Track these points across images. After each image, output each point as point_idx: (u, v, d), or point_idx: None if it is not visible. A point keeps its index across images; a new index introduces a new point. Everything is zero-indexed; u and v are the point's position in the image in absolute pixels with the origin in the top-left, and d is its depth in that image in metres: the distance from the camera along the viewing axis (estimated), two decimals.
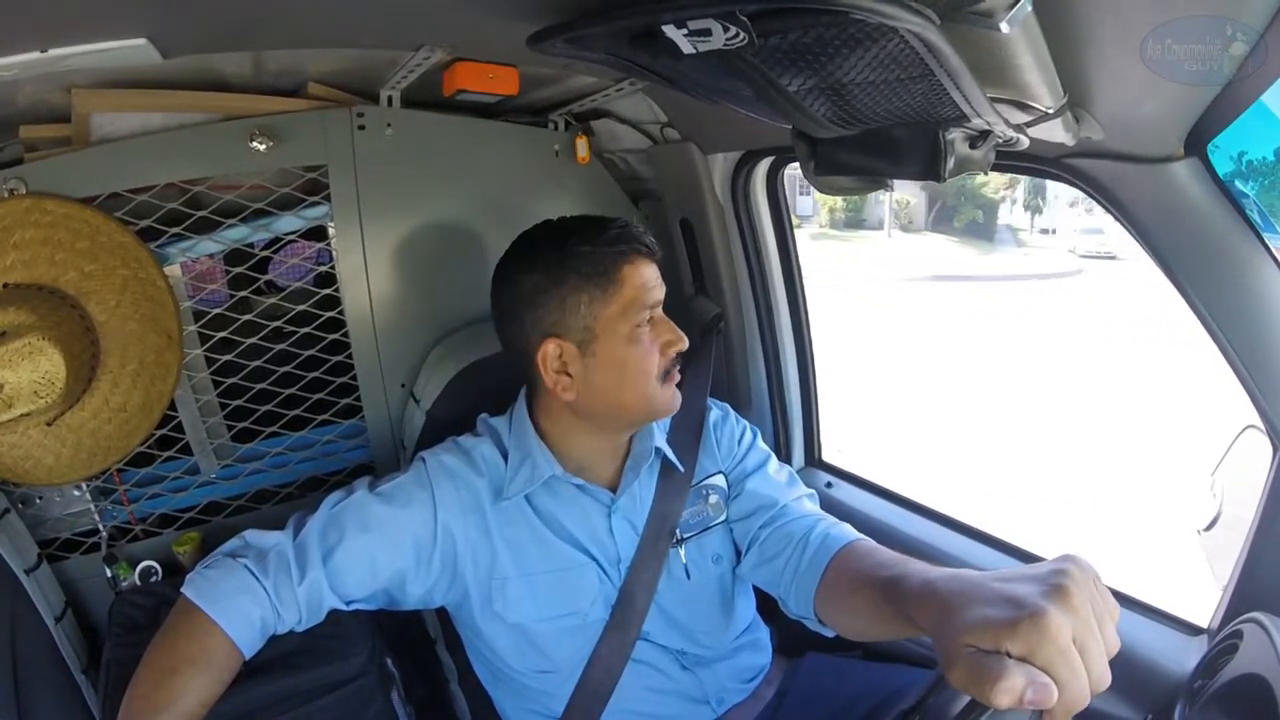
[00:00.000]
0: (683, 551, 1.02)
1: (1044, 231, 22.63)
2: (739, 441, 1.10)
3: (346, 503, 0.94)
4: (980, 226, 21.11)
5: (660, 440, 1.03)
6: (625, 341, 0.92)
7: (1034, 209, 23.01)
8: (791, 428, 1.46)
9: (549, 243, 0.94)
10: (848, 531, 0.94)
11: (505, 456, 1.00)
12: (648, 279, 0.94)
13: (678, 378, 0.97)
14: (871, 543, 0.90)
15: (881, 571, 0.77)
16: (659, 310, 0.96)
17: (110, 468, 1.09)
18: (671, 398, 0.97)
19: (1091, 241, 18.79)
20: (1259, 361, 0.84)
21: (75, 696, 1.04)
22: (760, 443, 1.12)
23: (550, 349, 0.92)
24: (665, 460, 1.04)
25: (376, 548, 0.92)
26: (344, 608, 0.93)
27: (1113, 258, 17.71)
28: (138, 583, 1.15)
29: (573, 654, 0.97)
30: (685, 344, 0.96)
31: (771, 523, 1.00)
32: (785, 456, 1.47)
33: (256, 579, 0.87)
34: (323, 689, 0.93)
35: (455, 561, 0.96)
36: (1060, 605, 0.50)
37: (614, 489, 1.01)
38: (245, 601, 0.85)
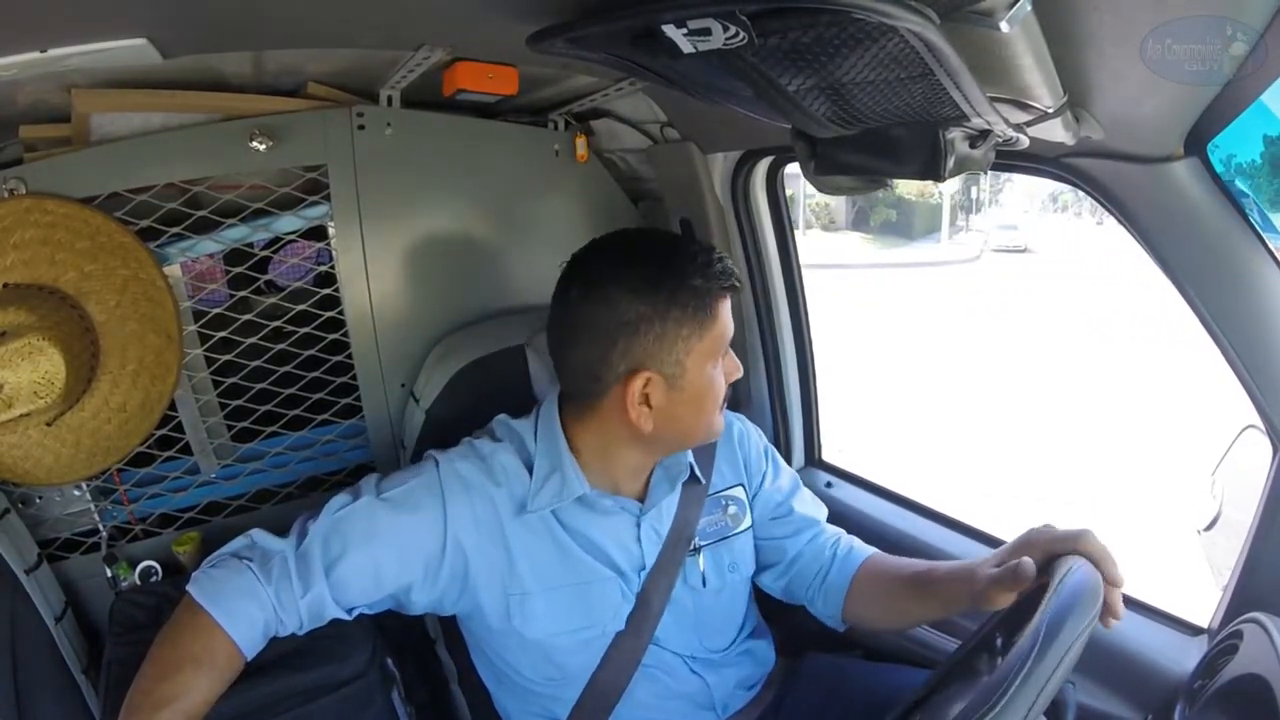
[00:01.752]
0: (701, 559, 1.02)
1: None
2: (766, 459, 1.12)
3: (351, 509, 0.90)
4: (896, 225, 22.75)
5: (691, 456, 1.02)
6: (712, 376, 0.92)
7: (967, 209, 25.79)
8: (791, 428, 1.46)
9: (658, 268, 0.88)
10: (862, 545, 1.09)
11: (527, 464, 0.95)
12: (731, 315, 0.94)
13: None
14: (882, 554, 1.07)
15: (907, 569, 1.00)
16: None
17: (110, 468, 1.09)
18: (723, 422, 0.99)
19: (1005, 236, 20.76)
20: (1259, 361, 0.84)
21: (75, 696, 1.04)
22: (781, 459, 1.15)
23: (639, 382, 0.87)
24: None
25: (381, 558, 0.89)
26: (347, 617, 0.91)
27: (1024, 250, 19.92)
28: (138, 582, 1.15)
29: (586, 661, 0.96)
30: (741, 372, 0.98)
31: (814, 540, 1.09)
32: (785, 456, 1.47)
33: (260, 583, 0.86)
34: (323, 689, 0.93)
35: (466, 575, 0.92)
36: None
37: (640, 499, 0.99)
38: (248, 604, 0.85)
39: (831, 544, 1.08)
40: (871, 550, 1.07)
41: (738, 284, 0.92)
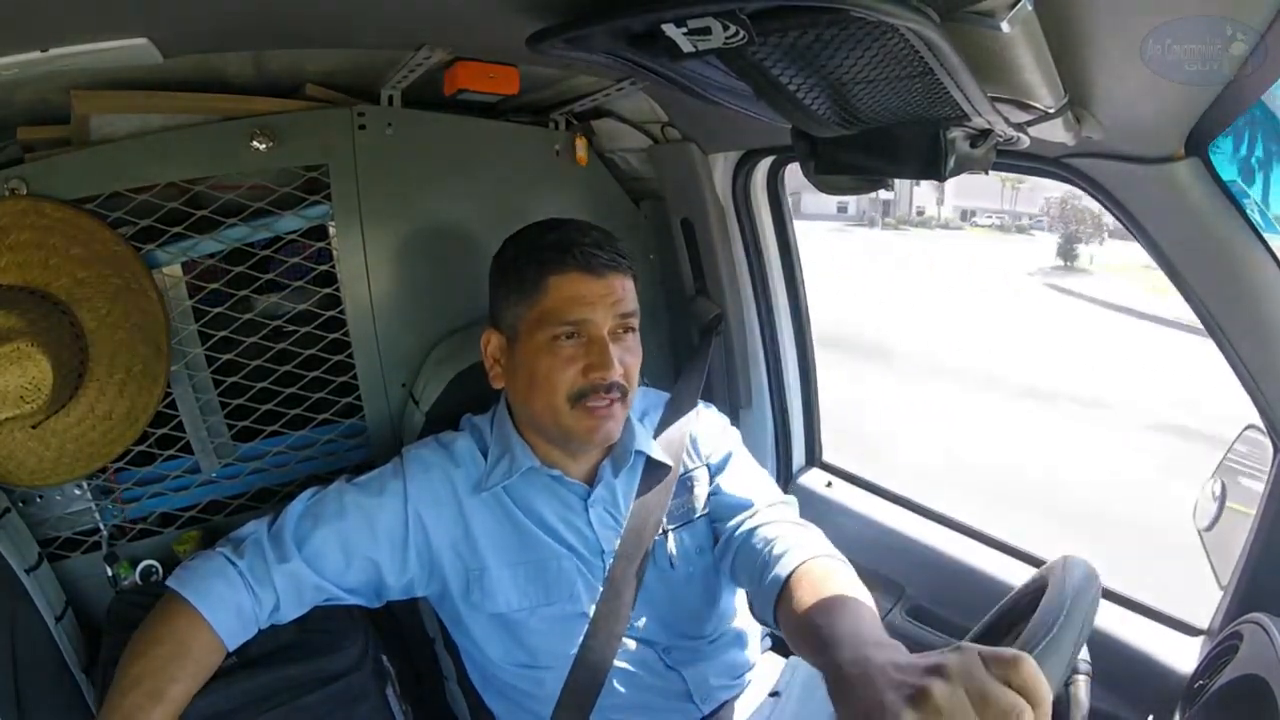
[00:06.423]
0: (670, 541, 1.02)
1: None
2: (720, 434, 1.11)
3: (323, 494, 0.97)
4: None
5: (644, 444, 1.03)
6: (538, 350, 0.94)
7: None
8: (792, 428, 1.46)
9: (510, 241, 1.02)
10: (799, 552, 0.91)
11: (484, 452, 1.01)
12: (583, 294, 0.92)
13: (612, 413, 0.94)
14: (818, 572, 0.87)
15: (815, 620, 0.77)
16: (599, 330, 0.93)
17: (91, 472, 1.09)
18: (591, 429, 0.94)
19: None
20: (1260, 361, 0.85)
21: (75, 696, 1.04)
22: (740, 443, 1.13)
23: (490, 336, 1.01)
24: (649, 457, 1.04)
25: (349, 534, 0.93)
26: (333, 590, 0.93)
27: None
28: (139, 581, 1.15)
29: (555, 648, 0.96)
30: (611, 375, 0.92)
31: (741, 525, 1.01)
32: (785, 456, 1.47)
33: (231, 562, 0.89)
34: (314, 682, 0.93)
35: (430, 553, 0.97)
36: (919, 711, 0.52)
37: (591, 483, 1.02)
38: (217, 582, 0.88)
39: (767, 543, 0.95)
40: (800, 561, 0.89)
41: (584, 262, 0.93)
